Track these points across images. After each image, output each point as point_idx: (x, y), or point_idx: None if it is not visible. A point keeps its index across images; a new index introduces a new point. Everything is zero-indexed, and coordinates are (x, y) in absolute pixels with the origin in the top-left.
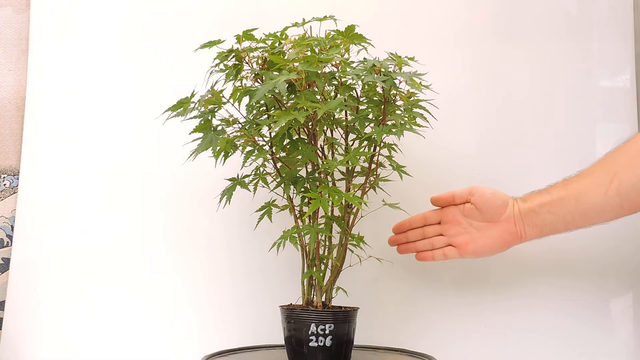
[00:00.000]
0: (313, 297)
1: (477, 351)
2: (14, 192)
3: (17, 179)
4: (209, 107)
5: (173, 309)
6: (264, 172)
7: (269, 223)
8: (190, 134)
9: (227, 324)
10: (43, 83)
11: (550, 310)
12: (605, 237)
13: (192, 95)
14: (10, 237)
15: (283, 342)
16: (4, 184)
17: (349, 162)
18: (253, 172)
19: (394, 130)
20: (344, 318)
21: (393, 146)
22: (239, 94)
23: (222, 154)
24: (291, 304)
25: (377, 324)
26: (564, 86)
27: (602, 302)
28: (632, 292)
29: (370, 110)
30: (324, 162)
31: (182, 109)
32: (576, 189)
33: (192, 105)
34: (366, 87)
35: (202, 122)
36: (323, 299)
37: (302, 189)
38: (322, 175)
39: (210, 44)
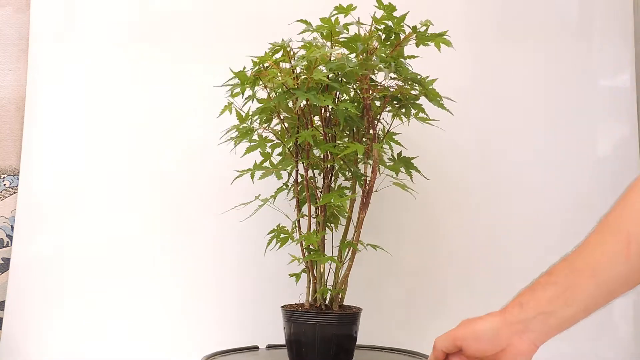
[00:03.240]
0: (315, 298)
1: None
2: (14, 192)
3: (17, 179)
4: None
5: (173, 309)
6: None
7: (270, 223)
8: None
9: (228, 324)
10: (43, 83)
11: None
12: None
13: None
14: (10, 237)
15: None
16: (4, 184)
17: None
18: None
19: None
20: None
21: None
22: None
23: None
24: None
25: (378, 324)
26: (564, 86)
27: None
28: (632, 292)
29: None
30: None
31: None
32: (590, 266)
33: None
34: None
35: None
36: (326, 301)
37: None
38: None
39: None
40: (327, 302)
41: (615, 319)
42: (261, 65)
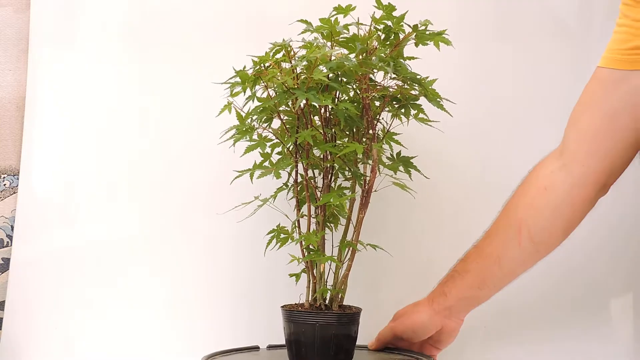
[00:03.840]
0: (315, 298)
1: (477, 351)
2: (14, 192)
3: (17, 179)
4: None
5: (173, 309)
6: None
7: (271, 224)
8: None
9: (227, 324)
10: (43, 83)
11: (550, 310)
12: (605, 236)
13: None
14: (10, 237)
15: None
16: (4, 184)
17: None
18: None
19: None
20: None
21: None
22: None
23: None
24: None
25: (378, 324)
26: (564, 86)
27: (602, 302)
28: (632, 292)
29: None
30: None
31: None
32: (494, 253)
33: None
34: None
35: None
36: (326, 301)
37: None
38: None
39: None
40: (326, 302)
41: (615, 319)
42: (262, 65)
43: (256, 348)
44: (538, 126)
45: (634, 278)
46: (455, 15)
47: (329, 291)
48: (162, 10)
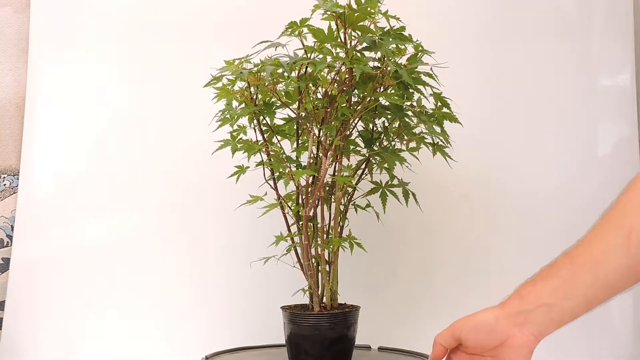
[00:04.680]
0: (314, 298)
1: None
2: (14, 192)
3: (17, 179)
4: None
5: (173, 309)
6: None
7: (270, 224)
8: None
9: (228, 324)
10: (43, 83)
11: None
12: None
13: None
14: (10, 237)
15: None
16: (4, 184)
17: None
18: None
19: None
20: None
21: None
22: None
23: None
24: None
25: (377, 324)
26: (564, 86)
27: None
28: (632, 292)
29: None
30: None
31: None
32: (590, 259)
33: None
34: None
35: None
36: (324, 300)
37: None
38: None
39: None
40: (325, 301)
41: (615, 319)
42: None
43: (256, 348)
44: (539, 126)
45: None
46: (458, 15)
47: (328, 291)
48: (161, 10)
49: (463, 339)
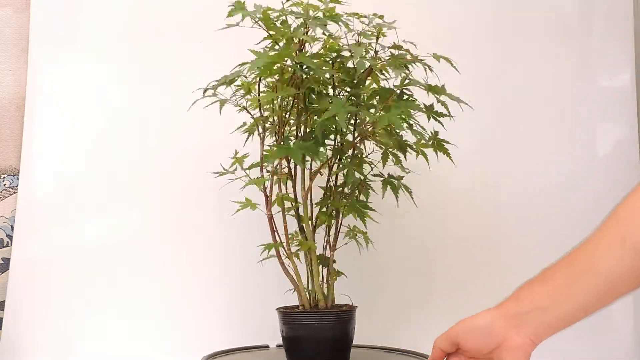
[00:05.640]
0: (312, 298)
1: None
2: (14, 192)
3: (17, 179)
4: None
5: (172, 309)
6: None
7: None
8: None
9: (227, 325)
10: (43, 83)
11: None
12: None
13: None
14: (10, 237)
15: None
16: (4, 184)
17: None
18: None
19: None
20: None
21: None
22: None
23: None
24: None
25: (377, 324)
26: (564, 86)
27: None
28: (632, 292)
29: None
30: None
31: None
32: (588, 263)
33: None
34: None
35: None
36: (322, 300)
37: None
38: None
39: None
40: (319, 302)
41: (615, 319)
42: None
43: (255, 348)
44: (539, 126)
45: None
46: (458, 15)
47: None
48: (161, 10)
49: (461, 342)
